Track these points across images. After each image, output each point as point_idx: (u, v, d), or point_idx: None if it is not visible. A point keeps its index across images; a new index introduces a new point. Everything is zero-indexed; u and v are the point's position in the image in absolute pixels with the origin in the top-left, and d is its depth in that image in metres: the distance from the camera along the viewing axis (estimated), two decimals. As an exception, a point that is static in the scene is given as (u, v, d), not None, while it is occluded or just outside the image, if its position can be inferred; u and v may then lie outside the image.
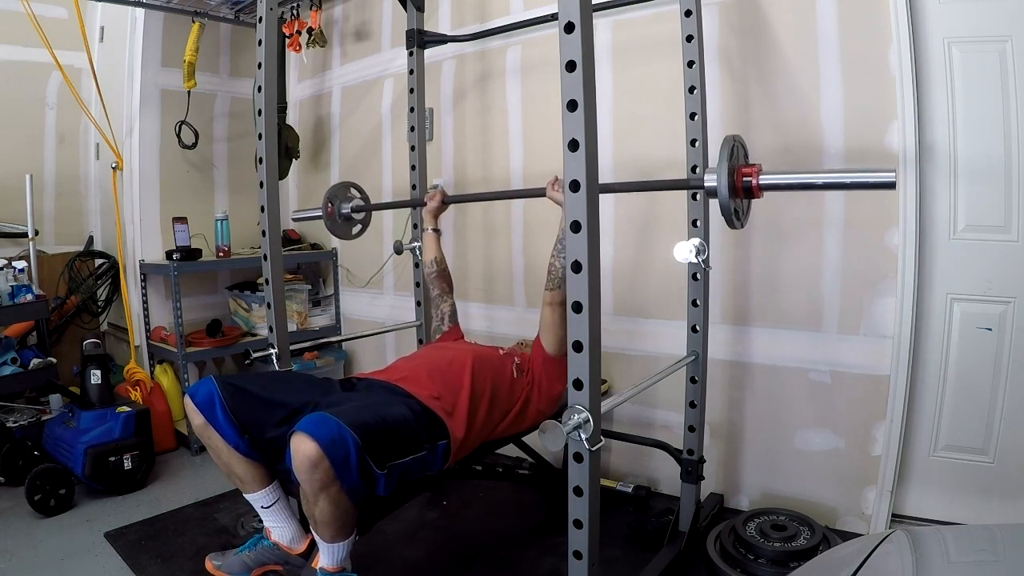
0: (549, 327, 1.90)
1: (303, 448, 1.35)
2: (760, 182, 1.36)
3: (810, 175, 1.45)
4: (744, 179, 1.36)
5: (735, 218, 1.39)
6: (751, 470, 2.34)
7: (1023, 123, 1.84)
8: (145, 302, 3.18)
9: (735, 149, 1.37)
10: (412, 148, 2.54)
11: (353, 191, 2.35)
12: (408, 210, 2.62)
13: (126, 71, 3.21)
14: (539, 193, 1.88)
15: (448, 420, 1.66)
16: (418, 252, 2.53)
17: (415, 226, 2.55)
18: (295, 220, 2.65)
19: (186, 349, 3.00)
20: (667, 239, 2.32)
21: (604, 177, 2.45)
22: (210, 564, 1.81)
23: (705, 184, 1.36)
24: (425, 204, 2.23)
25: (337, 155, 3.54)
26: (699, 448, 2.05)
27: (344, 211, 2.30)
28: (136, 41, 3.15)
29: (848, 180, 1.41)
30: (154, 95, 3.20)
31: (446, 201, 2.23)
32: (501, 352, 1.98)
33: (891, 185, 1.28)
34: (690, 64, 1.93)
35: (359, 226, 2.37)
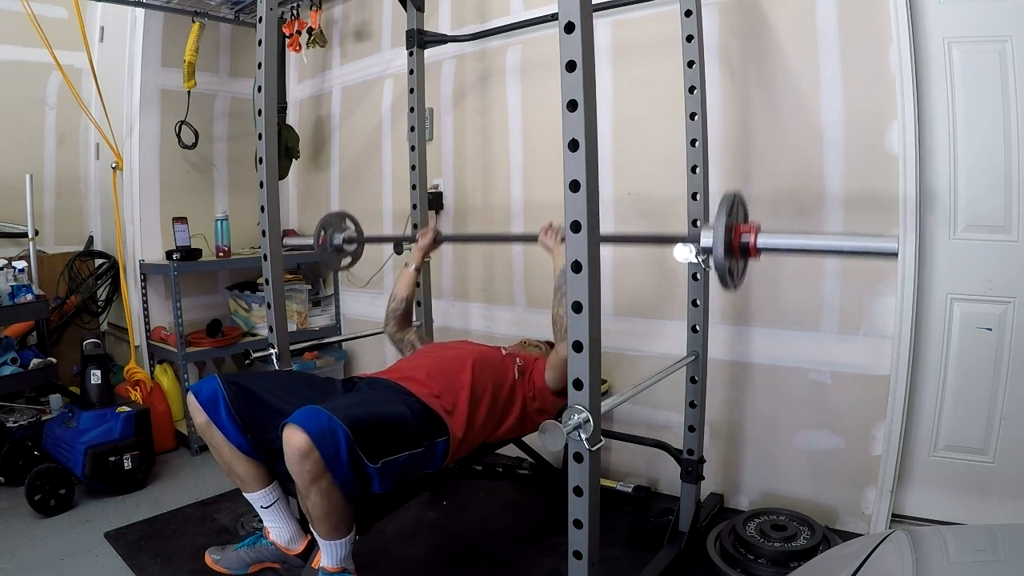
0: (553, 367, 1.86)
1: (293, 440, 1.35)
2: (759, 244, 1.32)
3: (811, 239, 1.43)
4: (742, 238, 1.33)
5: (729, 278, 1.35)
6: (751, 470, 2.34)
7: (1023, 123, 1.84)
8: (145, 302, 3.18)
9: (735, 206, 1.33)
10: (412, 148, 2.54)
11: (348, 222, 2.33)
12: (408, 210, 2.62)
13: (126, 71, 3.21)
14: (532, 238, 1.88)
15: (448, 418, 1.66)
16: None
17: (415, 226, 2.55)
18: (285, 252, 2.63)
19: (186, 349, 3.00)
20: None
21: (604, 177, 2.45)
22: (209, 558, 1.83)
23: (701, 242, 1.32)
24: (416, 240, 2.22)
25: (337, 155, 3.54)
26: (699, 448, 2.05)
27: (336, 242, 2.29)
28: (136, 41, 3.15)
29: (848, 247, 1.38)
30: (154, 95, 3.20)
31: (439, 240, 2.22)
32: (503, 352, 1.98)
33: (893, 254, 1.25)
34: (690, 64, 1.93)
35: (348, 258, 2.35)
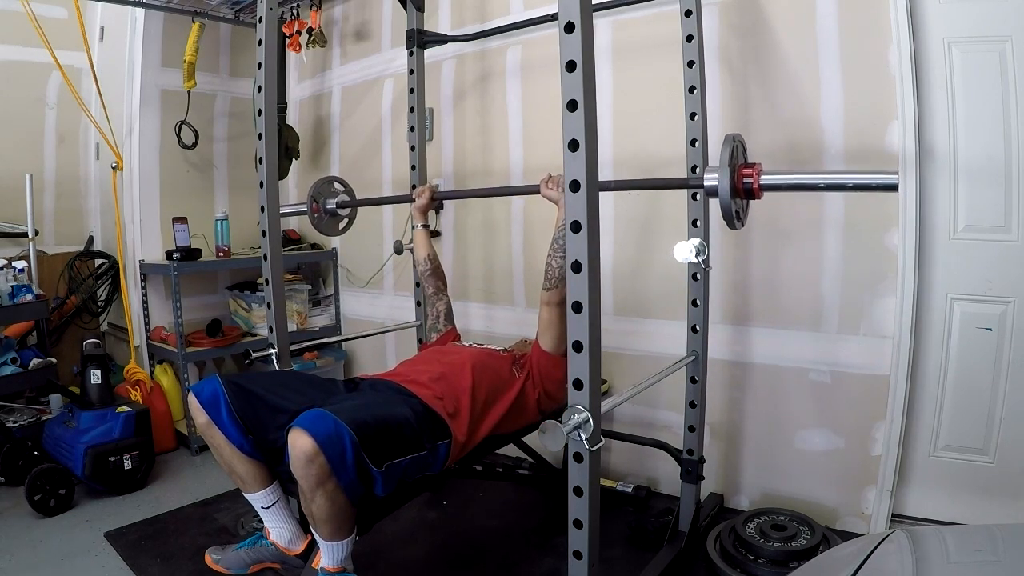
0: (547, 326, 1.89)
1: (299, 443, 1.35)
2: (761, 182, 1.35)
3: (811, 176, 1.45)
4: (744, 179, 1.36)
5: (735, 219, 1.38)
6: (751, 470, 2.34)
7: (1023, 123, 1.84)
8: (145, 302, 3.18)
9: (735, 149, 1.37)
10: (412, 148, 2.54)
11: (337, 185, 2.32)
12: (408, 209, 2.61)
13: (126, 71, 3.21)
14: (533, 190, 1.87)
15: (450, 421, 1.66)
16: (418, 252, 2.53)
17: (415, 227, 2.54)
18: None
19: (186, 349, 3.00)
20: (667, 239, 2.32)
21: (604, 176, 2.45)
22: (209, 558, 1.84)
23: (705, 184, 1.35)
24: (414, 201, 2.22)
25: (337, 155, 3.54)
26: (699, 448, 2.05)
27: (329, 207, 2.28)
28: (136, 41, 3.15)
29: (850, 181, 1.40)
30: (154, 95, 3.20)
31: (436, 198, 2.22)
32: (502, 353, 1.98)
33: (894, 187, 1.27)
34: (690, 64, 1.93)
35: (345, 220, 2.34)
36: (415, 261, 2.30)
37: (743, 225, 1.45)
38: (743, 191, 1.37)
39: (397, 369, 1.92)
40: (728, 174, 1.33)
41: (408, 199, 2.29)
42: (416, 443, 1.55)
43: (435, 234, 3.00)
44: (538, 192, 1.86)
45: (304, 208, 2.24)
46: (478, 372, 1.81)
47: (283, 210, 2.41)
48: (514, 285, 2.86)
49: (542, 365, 1.90)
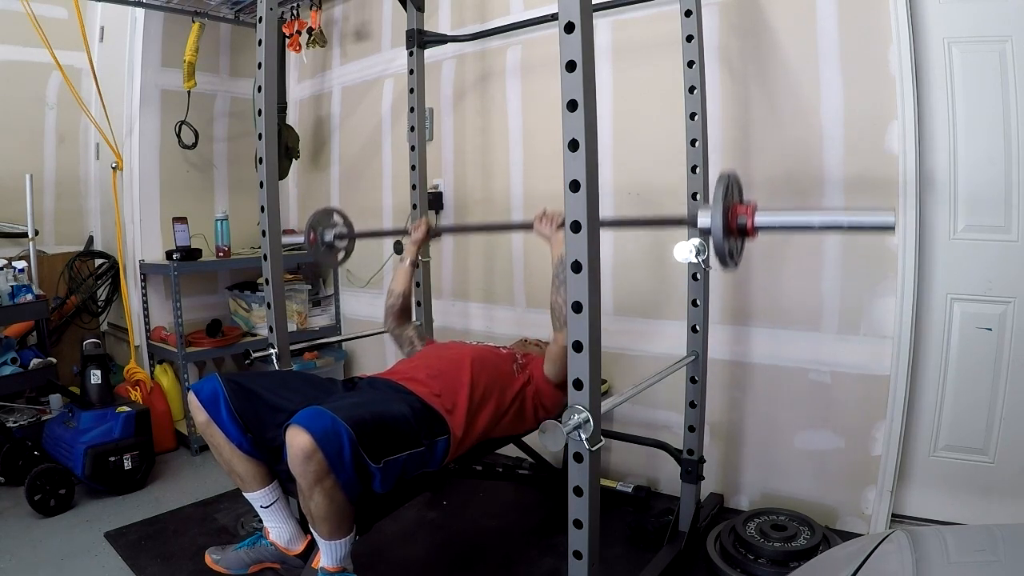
0: (554, 358, 1.85)
1: (297, 440, 1.35)
2: (756, 222, 1.32)
3: (807, 215, 1.41)
4: (739, 218, 1.33)
5: (729, 258, 1.34)
6: (751, 470, 2.34)
7: (1023, 123, 1.84)
8: (145, 302, 3.18)
9: (730, 187, 1.33)
10: (412, 148, 2.54)
11: (336, 217, 2.30)
12: (409, 209, 2.61)
13: (126, 71, 3.21)
14: (528, 226, 1.85)
15: (448, 417, 1.66)
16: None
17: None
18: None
19: (186, 349, 3.00)
20: (667, 239, 2.32)
21: (604, 175, 2.45)
22: (209, 558, 1.84)
23: (699, 223, 1.31)
24: (409, 234, 2.17)
25: (337, 155, 3.54)
26: (699, 448, 2.05)
27: (327, 239, 2.25)
28: (136, 41, 3.15)
29: (846, 222, 1.36)
30: (154, 95, 3.20)
31: (432, 232, 2.18)
32: (502, 351, 1.98)
33: (890, 227, 1.23)
34: (690, 64, 1.93)
35: (342, 253, 2.32)
36: (389, 292, 2.20)
37: (737, 265, 1.41)
38: (737, 231, 1.34)
39: (396, 368, 1.93)
40: (721, 212, 1.29)
41: (404, 231, 2.22)
42: (414, 439, 1.55)
43: (435, 234, 3.00)
44: (532, 228, 1.83)
45: (302, 240, 2.22)
46: (477, 368, 1.81)
47: (285, 241, 2.38)
48: (514, 285, 2.86)
49: (540, 384, 1.90)
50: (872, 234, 1.36)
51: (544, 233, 1.81)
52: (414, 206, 2.55)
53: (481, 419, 1.75)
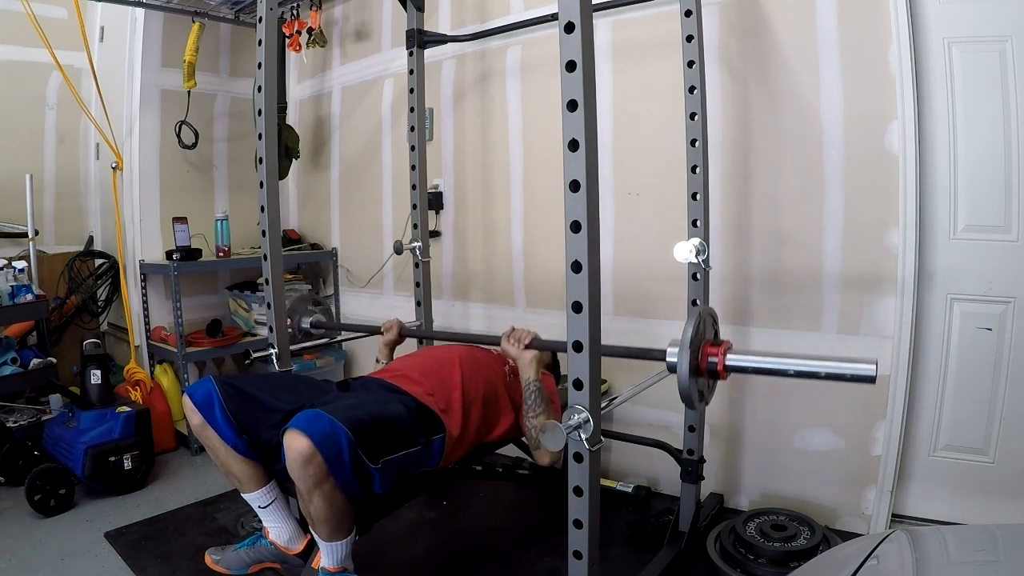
0: (542, 463, 1.79)
1: (296, 444, 1.36)
2: (727, 363, 1.26)
3: (783, 360, 1.27)
4: (709, 359, 1.27)
5: (696, 399, 1.27)
6: (751, 470, 2.34)
7: (1023, 123, 1.84)
8: (145, 302, 3.18)
9: (700, 324, 1.26)
10: (412, 148, 2.54)
11: (313, 307, 2.32)
12: (408, 209, 2.62)
13: (126, 71, 3.21)
14: (494, 341, 1.82)
15: (443, 416, 1.67)
16: (418, 252, 2.53)
17: (415, 226, 2.55)
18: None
19: (186, 349, 3.00)
20: (667, 239, 2.31)
21: (604, 175, 2.44)
22: (209, 559, 1.84)
23: (667, 359, 1.24)
24: (382, 334, 2.14)
25: (337, 155, 3.54)
26: (699, 448, 2.05)
27: (304, 326, 2.27)
28: (136, 41, 3.15)
29: (823, 370, 1.21)
30: (154, 95, 3.20)
31: (403, 335, 2.14)
32: (493, 351, 1.97)
33: (871, 379, 1.14)
34: (690, 64, 1.93)
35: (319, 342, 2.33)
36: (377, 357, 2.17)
37: (706, 404, 1.34)
38: (707, 372, 1.28)
39: (387, 367, 1.93)
40: (688, 353, 1.21)
41: (376, 331, 2.18)
42: (411, 439, 1.56)
43: (435, 234, 3.00)
44: (499, 344, 1.79)
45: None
46: (467, 367, 1.82)
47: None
48: (514, 285, 2.86)
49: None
50: (852, 383, 1.23)
51: (511, 352, 1.77)
52: (414, 206, 2.55)
53: (475, 418, 1.76)
